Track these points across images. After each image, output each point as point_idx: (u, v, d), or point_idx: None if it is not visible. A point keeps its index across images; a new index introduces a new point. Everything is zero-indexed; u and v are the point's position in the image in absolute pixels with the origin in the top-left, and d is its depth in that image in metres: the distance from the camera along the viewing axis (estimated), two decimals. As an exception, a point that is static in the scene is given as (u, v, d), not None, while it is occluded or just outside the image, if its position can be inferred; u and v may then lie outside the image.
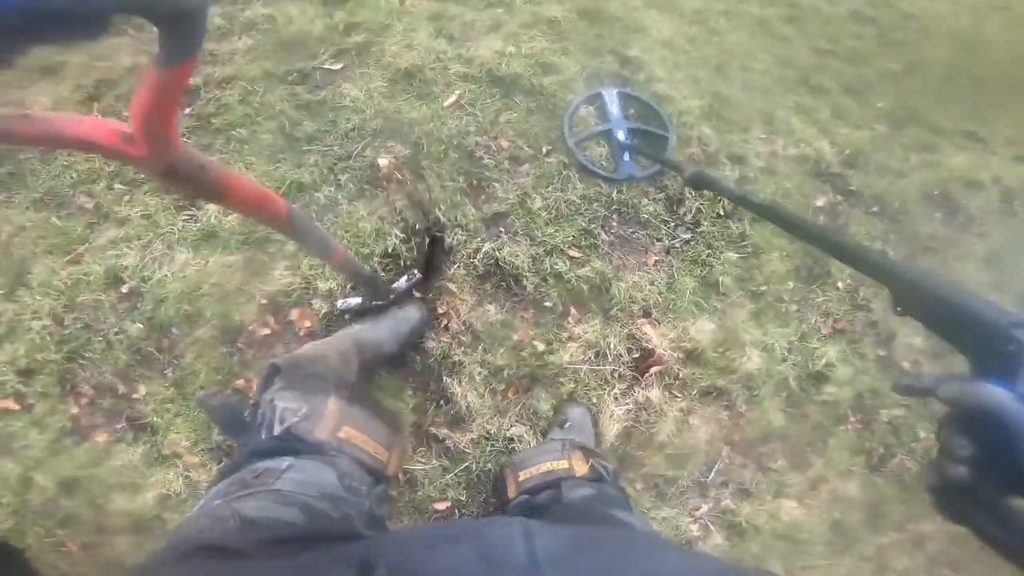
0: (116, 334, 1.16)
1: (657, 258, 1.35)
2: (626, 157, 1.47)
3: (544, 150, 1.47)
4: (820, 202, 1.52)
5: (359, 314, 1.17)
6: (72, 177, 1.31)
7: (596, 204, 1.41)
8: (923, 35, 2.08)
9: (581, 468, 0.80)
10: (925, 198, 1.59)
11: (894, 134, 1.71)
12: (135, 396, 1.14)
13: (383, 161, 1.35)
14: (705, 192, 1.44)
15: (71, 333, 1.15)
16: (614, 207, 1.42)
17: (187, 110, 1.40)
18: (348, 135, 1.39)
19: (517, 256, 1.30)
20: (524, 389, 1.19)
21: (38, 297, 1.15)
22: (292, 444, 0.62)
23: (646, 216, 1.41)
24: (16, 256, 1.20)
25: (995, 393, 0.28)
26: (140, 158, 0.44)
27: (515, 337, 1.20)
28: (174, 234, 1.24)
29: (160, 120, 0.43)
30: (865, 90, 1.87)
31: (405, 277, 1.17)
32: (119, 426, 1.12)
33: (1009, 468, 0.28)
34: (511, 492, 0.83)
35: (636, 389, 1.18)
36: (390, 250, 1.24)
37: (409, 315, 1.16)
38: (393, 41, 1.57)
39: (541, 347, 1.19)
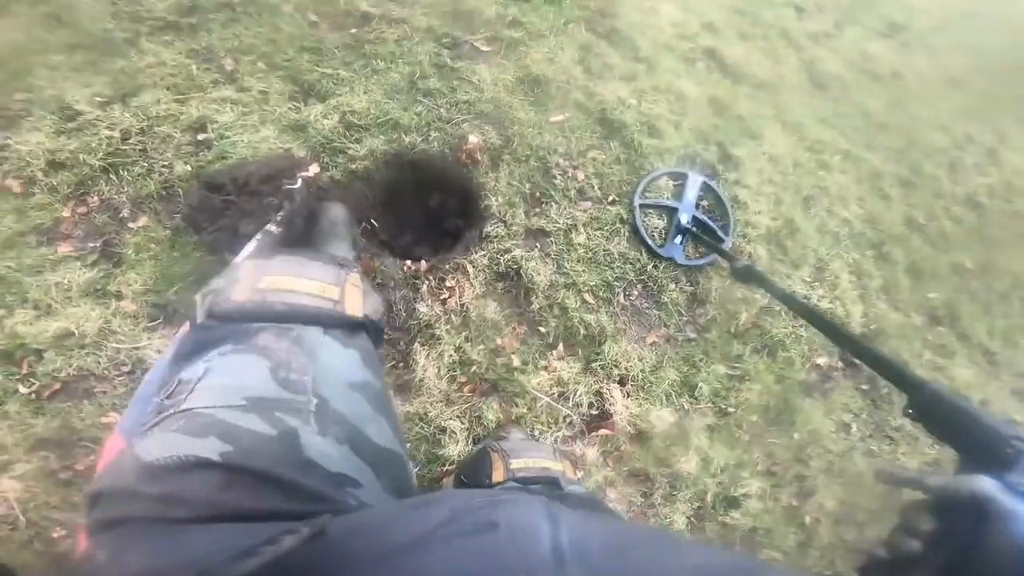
0: (163, 166, 1.18)
1: (656, 340, 1.42)
2: (678, 240, 1.52)
3: (610, 198, 1.54)
4: (820, 361, 1.57)
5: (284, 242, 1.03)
6: (237, 43, 1.39)
7: (629, 267, 1.47)
8: (1013, 240, 2.07)
9: (572, 476, 0.78)
10: (913, 399, 1.63)
11: (924, 329, 1.74)
12: (131, 224, 1.11)
13: (473, 138, 1.44)
14: (729, 305, 1.51)
15: (126, 150, 1.16)
16: (643, 277, 1.48)
17: (352, 31, 1.53)
18: (458, 105, 1.50)
19: (539, 274, 1.37)
20: (481, 392, 1.24)
21: (127, 115, 1.21)
22: (215, 332, 0.49)
23: (666, 300, 1.47)
24: (138, 80, 1.28)
25: (986, 482, 0.36)
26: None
27: (499, 342, 1.28)
28: (273, 115, 1.32)
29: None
30: (927, 276, 1.89)
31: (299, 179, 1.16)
32: (92, 244, 1.08)
33: (961, 548, 0.35)
34: (498, 475, 0.76)
35: (578, 442, 1.26)
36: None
37: (333, 215, 1.10)
38: (541, 50, 1.70)
39: (517, 362, 1.27)
